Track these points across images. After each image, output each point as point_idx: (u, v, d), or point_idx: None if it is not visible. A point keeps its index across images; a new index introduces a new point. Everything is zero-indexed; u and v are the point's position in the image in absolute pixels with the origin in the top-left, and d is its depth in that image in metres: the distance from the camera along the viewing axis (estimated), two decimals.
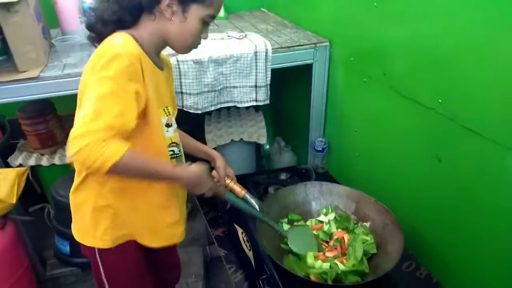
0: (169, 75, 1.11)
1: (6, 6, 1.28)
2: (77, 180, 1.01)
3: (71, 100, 1.86)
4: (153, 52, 0.97)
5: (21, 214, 1.60)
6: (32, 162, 1.81)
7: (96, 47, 0.94)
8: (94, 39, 0.96)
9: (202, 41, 1.01)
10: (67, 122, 2.10)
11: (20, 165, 1.78)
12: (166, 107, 1.02)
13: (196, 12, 0.92)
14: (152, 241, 1.09)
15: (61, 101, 1.88)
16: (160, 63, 1.02)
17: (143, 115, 0.91)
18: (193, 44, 0.99)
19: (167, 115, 1.02)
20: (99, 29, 0.93)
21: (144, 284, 1.18)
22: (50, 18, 1.74)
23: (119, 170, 0.82)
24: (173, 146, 1.06)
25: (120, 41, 0.88)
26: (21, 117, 1.79)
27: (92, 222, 1.01)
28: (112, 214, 1.01)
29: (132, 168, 0.86)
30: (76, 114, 0.88)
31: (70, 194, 1.04)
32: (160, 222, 1.08)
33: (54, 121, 1.86)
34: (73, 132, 0.79)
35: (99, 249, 1.04)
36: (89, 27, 0.95)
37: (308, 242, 1.24)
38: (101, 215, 1.00)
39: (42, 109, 1.81)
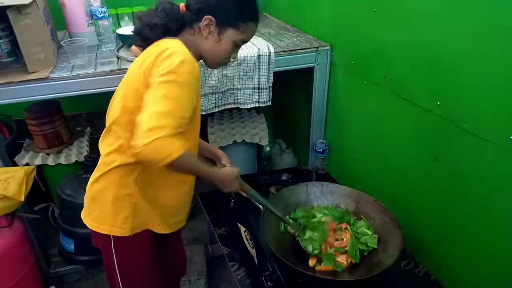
0: None
1: (18, 8, 1.31)
2: (97, 173, 1.06)
3: (77, 101, 1.92)
4: None
5: (27, 212, 1.63)
6: (38, 161, 1.85)
7: (142, 50, 1.02)
8: (141, 43, 1.02)
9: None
10: (72, 122, 2.15)
11: (27, 164, 1.81)
12: None
13: (230, 35, 1.00)
14: (164, 229, 1.15)
15: (67, 102, 1.93)
16: None
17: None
18: (222, 62, 1.08)
19: None
20: (147, 33, 0.99)
21: (153, 276, 1.21)
22: (57, 21, 1.77)
23: (175, 164, 0.88)
24: None
25: (180, 47, 0.94)
26: (28, 117, 1.83)
27: (112, 211, 1.05)
28: (133, 203, 1.06)
29: (185, 164, 0.93)
30: (114, 104, 1.02)
31: (88, 185, 1.10)
32: (171, 214, 1.15)
33: (60, 121, 1.90)
34: (145, 125, 0.84)
35: (115, 238, 1.08)
36: (137, 32, 1.02)
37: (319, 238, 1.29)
38: (122, 204, 1.05)
39: (49, 109, 1.85)
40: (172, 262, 1.36)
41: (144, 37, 1.01)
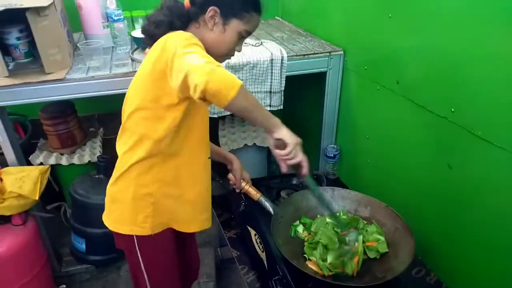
0: None
1: (37, 10, 1.34)
2: (116, 173, 1.08)
3: (91, 102, 1.94)
4: None
5: (40, 211, 1.65)
6: (52, 161, 1.88)
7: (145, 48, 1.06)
8: (148, 41, 1.04)
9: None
10: (86, 123, 2.17)
11: (41, 164, 1.84)
12: None
13: (235, 26, 1.02)
14: (189, 227, 1.17)
15: (81, 102, 1.95)
16: None
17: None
18: (228, 54, 1.08)
19: None
20: (152, 30, 1.02)
21: (176, 274, 1.24)
22: (73, 22, 1.80)
23: (240, 97, 0.83)
24: None
25: (182, 31, 0.98)
26: (43, 117, 1.86)
27: (132, 210, 1.07)
28: (153, 202, 1.07)
29: (248, 97, 0.89)
30: (128, 102, 1.04)
31: (108, 187, 1.12)
32: (195, 211, 1.16)
33: (74, 122, 1.93)
34: (198, 64, 0.83)
35: (138, 237, 1.10)
36: (144, 30, 1.05)
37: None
38: (142, 203, 1.07)
39: (63, 109, 1.88)
40: (187, 263, 1.37)
41: (150, 35, 1.03)
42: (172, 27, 1.01)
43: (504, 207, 1.04)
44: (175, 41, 0.91)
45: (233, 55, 1.10)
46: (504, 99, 0.98)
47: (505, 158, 1.00)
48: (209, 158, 1.15)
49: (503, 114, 0.99)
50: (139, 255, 1.12)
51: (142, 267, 1.14)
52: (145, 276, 1.15)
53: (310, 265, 1.21)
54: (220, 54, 1.07)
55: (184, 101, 0.95)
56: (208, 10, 0.99)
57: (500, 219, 1.06)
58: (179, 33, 0.97)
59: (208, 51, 1.05)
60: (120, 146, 1.08)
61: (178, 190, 1.10)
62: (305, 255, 1.25)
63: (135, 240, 1.10)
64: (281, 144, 0.98)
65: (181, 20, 1.03)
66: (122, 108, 1.07)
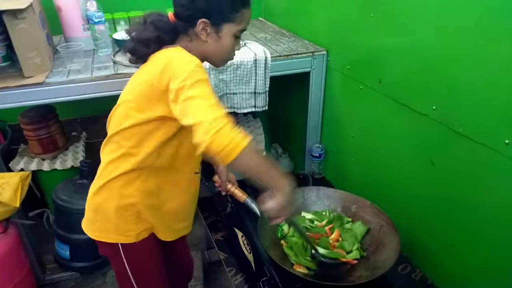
0: None
1: (14, 12, 1.31)
2: (99, 181, 1.05)
3: (72, 106, 1.91)
4: None
5: (22, 218, 1.61)
6: (33, 167, 1.84)
7: (137, 67, 1.02)
8: (138, 60, 1.01)
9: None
10: (68, 127, 2.14)
11: (22, 170, 1.80)
12: None
13: (228, 30, 0.99)
14: (166, 236, 1.15)
15: (63, 106, 1.92)
16: None
17: None
18: (229, 57, 1.07)
19: None
20: (142, 50, 0.98)
21: (164, 278, 1.22)
22: (52, 25, 1.77)
23: (244, 157, 0.81)
24: None
25: (184, 52, 0.95)
26: (23, 122, 1.82)
27: (115, 220, 1.05)
28: (136, 212, 1.05)
29: (253, 158, 0.85)
30: (116, 115, 1.00)
31: (89, 196, 1.08)
32: (174, 221, 1.16)
33: (56, 126, 1.89)
34: (207, 117, 0.80)
35: (123, 245, 1.08)
36: (131, 51, 1.00)
37: None
38: (125, 213, 1.05)
39: (44, 114, 1.84)
40: (179, 265, 1.37)
41: (140, 55, 1.00)
42: (161, 43, 0.98)
43: (486, 203, 1.06)
44: (182, 69, 0.86)
45: (234, 56, 1.07)
46: (484, 97, 1.00)
47: (486, 154, 1.02)
48: (196, 173, 1.13)
49: (483, 111, 1.01)
50: (125, 261, 1.10)
51: (129, 273, 1.12)
52: (133, 281, 1.14)
53: (297, 267, 1.21)
54: (221, 60, 1.06)
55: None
56: (198, 24, 0.96)
57: (483, 214, 1.08)
58: (184, 58, 0.91)
59: (210, 61, 1.06)
60: (105, 155, 1.04)
61: (160, 201, 1.08)
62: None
63: (120, 248, 1.08)
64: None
65: (169, 35, 0.99)
66: (108, 119, 1.04)
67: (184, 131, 0.96)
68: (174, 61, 0.90)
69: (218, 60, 1.06)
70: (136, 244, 1.08)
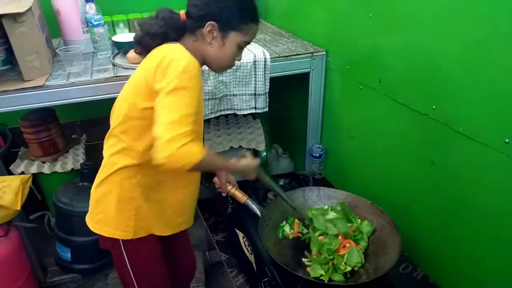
0: None
1: (13, 16, 1.31)
2: (101, 175, 1.08)
3: (72, 108, 1.91)
4: None
5: (23, 221, 1.62)
6: (34, 170, 1.84)
7: (141, 57, 1.04)
8: (142, 51, 1.04)
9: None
10: (68, 130, 2.14)
11: (22, 173, 1.80)
12: None
13: (234, 38, 1.02)
14: (165, 231, 1.16)
15: (63, 109, 1.92)
16: None
17: None
18: (228, 65, 1.09)
19: None
20: (147, 42, 1.01)
21: (165, 275, 1.23)
22: (52, 28, 1.77)
23: (198, 166, 0.90)
24: None
25: (181, 51, 0.96)
26: (24, 126, 1.82)
27: (116, 214, 1.07)
28: (136, 207, 1.07)
29: (206, 164, 0.97)
30: (116, 110, 1.03)
31: (92, 189, 1.11)
32: (174, 216, 1.17)
33: (56, 129, 1.89)
34: (164, 137, 0.85)
35: (123, 240, 1.10)
36: (137, 40, 1.03)
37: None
38: (126, 207, 1.07)
39: (44, 117, 1.84)
40: (181, 265, 1.38)
41: (144, 46, 1.02)
42: (166, 39, 1.01)
43: (487, 202, 1.06)
44: (171, 69, 0.89)
45: (234, 65, 1.11)
46: (483, 96, 1.00)
47: (486, 153, 1.02)
48: None
49: (482, 111, 1.01)
50: (125, 256, 1.13)
51: (129, 267, 1.15)
52: (132, 276, 1.16)
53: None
54: (221, 66, 1.09)
55: None
56: (206, 25, 0.99)
57: (484, 213, 1.08)
58: (177, 54, 0.93)
59: (209, 65, 1.08)
60: (107, 148, 1.07)
61: (161, 195, 1.10)
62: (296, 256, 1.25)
63: (121, 243, 1.11)
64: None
65: (176, 33, 1.02)
66: (111, 113, 1.07)
67: None
68: (167, 58, 0.92)
69: (218, 66, 1.08)
70: (133, 241, 1.10)
